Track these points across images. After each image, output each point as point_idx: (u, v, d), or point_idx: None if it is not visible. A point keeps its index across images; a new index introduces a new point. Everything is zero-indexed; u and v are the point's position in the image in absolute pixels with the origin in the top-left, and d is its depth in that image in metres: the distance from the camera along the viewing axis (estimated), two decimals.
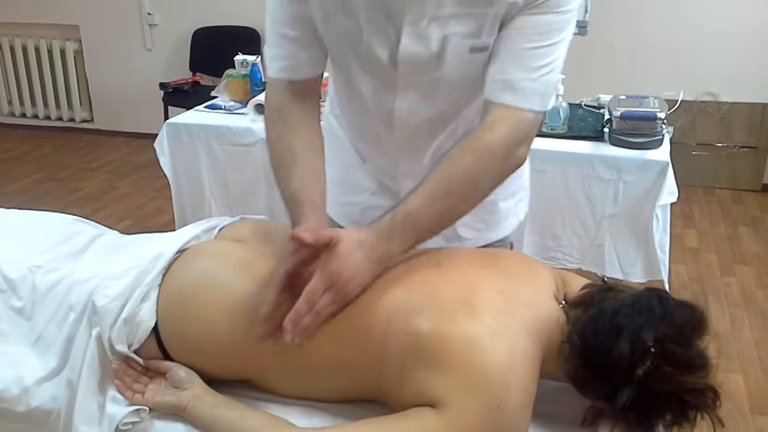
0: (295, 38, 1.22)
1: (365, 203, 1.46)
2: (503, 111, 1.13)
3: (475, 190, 1.13)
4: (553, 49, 1.12)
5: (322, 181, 1.22)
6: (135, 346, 1.13)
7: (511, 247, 1.55)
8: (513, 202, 1.49)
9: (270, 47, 1.26)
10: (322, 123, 1.33)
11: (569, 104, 2.66)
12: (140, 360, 1.12)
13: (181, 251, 1.20)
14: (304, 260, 1.05)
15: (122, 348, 1.11)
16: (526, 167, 1.48)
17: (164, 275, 1.16)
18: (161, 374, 1.12)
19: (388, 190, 1.44)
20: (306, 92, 1.27)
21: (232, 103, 2.87)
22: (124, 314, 1.11)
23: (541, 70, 1.12)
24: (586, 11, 3.37)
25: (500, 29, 1.13)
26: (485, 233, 1.46)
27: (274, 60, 1.26)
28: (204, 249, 1.22)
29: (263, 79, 2.76)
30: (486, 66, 1.17)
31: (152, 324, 1.12)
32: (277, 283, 1.04)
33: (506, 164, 1.15)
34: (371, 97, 1.28)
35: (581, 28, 3.36)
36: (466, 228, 1.43)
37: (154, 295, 1.14)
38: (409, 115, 1.27)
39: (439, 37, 1.13)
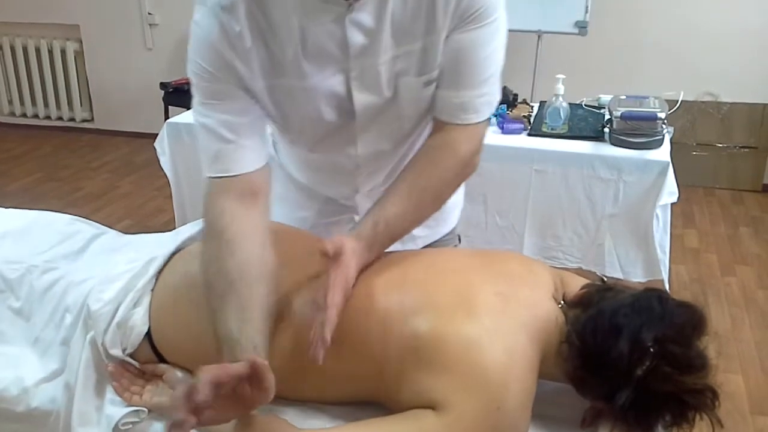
0: (239, 127, 1.11)
1: (312, 219, 1.48)
2: (461, 129, 1.18)
3: (440, 199, 1.22)
4: (491, 62, 1.15)
5: (265, 317, 1.03)
6: (129, 350, 1.12)
7: (459, 240, 1.64)
8: (456, 197, 1.52)
9: (208, 145, 1.10)
10: None
11: (569, 104, 2.65)
12: (136, 363, 1.12)
13: (177, 251, 1.20)
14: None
15: (116, 352, 1.11)
16: None
17: (157, 279, 1.16)
18: (158, 377, 1.12)
19: (336, 205, 1.45)
20: (253, 194, 1.11)
21: None
22: (117, 319, 1.10)
23: (484, 86, 1.16)
24: (586, 11, 3.38)
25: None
26: (436, 229, 1.51)
27: (216, 160, 1.10)
28: (194, 251, 1.20)
29: None
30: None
31: (145, 329, 1.12)
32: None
33: (467, 173, 1.22)
34: (330, 153, 1.29)
35: (581, 28, 3.38)
36: (419, 227, 1.45)
37: (146, 300, 1.13)
38: (371, 153, 1.29)
39: (389, 80, 1.15)
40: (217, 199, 1.09)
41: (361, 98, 1.16)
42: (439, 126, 1.20)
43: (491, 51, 1.14)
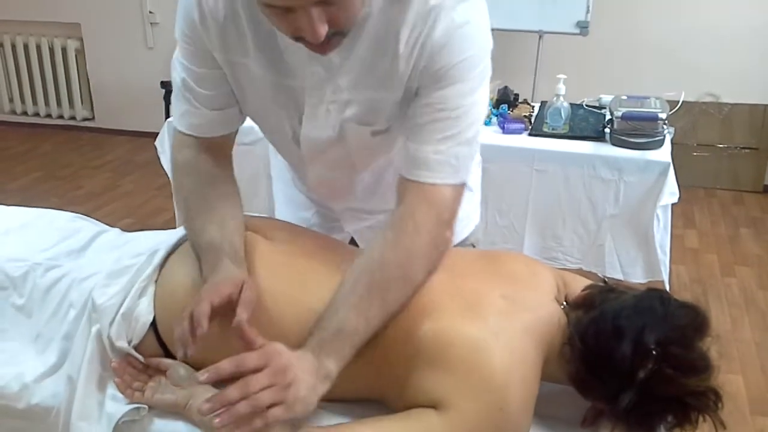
0: (208, 98, 1.17)
1: (310, 220, 1.49)
2: (420, 191, 1.07)
3: (409, 283, 1.05)
4: (458, 121, 1.06)
5: (242, 232, 1.15)
6: (135, 342, 1.12)
7: (473, 248, 1.55)
8: (469, 208, 1.49)
9: (179, 101, 1.20)
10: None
11: (570, 104, 2.66)
12: (140, 357, 1.12)
13: (178, 245, 1.20)
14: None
15: (122, 344, 1.11)
16: (477, 167, 1.47)
17: (161, 270, 1.16)
18: (161, 372, 1.12)
19: (326, 214, 1.47)
20: (219, 148, 1.22)
21: None
22: (122, 310, 1.11)
23: (447, 142, 1.06)
24: (587, 11, 3.38)
25: (408, 107, 1.10)
26: None
27: (184, 116, 1.20)
28: None
29: None
30: (392, 142, 1.18)
31: (150, 318, 1.12)
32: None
33: (436, 253, 1.08)
34: (290, 161, 1.31)
35: (583, 28, 3.38)
36: None
37: (151, 290, 1.14)
38: (325, 180, 1.29)
39: (336, 122, 1.14)
40: (186, 146, 1.21)
41: (308, 127, 1.16)
42: (402, 187, 1.10)
43: (461, 110, 1.06)
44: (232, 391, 0.90)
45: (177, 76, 1.19)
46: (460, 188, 1.10)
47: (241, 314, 0.99)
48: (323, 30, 0.92)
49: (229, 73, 1.16)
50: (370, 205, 1.38)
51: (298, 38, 0.96)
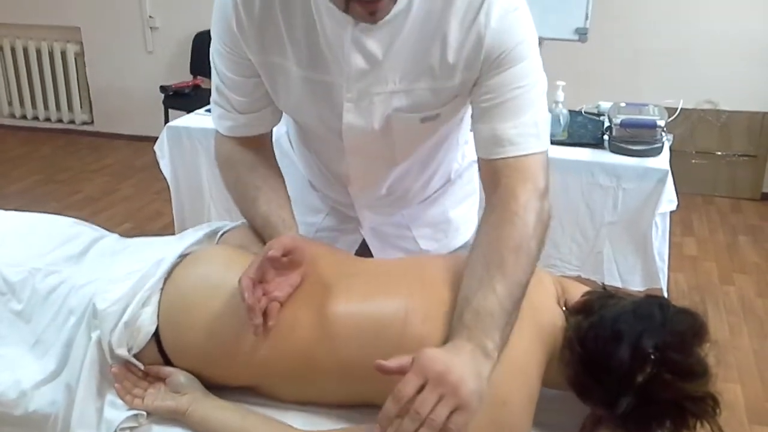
0: (242, 104, 1.21)
1: (320, 224, 1.49)
2: (511, 168, 1.08)
3: (523, 255, 1.02)
4: (528, 94, 1.09)
5: (289, 203, 1.24)
6: (135, 351, 1.12)
7: None
8: (464, 209, 1.52)
9: (216, 106, 1.24)
10: (274, 140, 1.33)
11: (569, 111, 2.66)
12: (140, 365, 1.12)
13: (183, 256, 1.20)
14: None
15: (122, 352, 1.11)
16: (474, 173, 1.49)
17: (165, 280, 1.16)
18: (161, 379, 1.12)
19: (343, 215, 1.46)
20: (258, 143, 1.27)
21: None
22: (125, 318, 1.10)
23: (523, 115, 1.09)
24: (586, 18, 3.38)
25: (467, 93, 1.12)
26: (445, 242, 1.50)
27: (222, 119, 1.25)
28: (206, 254, 1.21)
29: None
30: (438, 128, 1.19)
31: (153, 329, 1.12)
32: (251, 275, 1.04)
33: (541, 225, 1.07)
34: (324, 155, 1.31)
35: (581, 35, 3.38)
36: (426, 240, 1.48)
37: (155, 300, 1.13)
38: (361, 173, 1.30)
39: (383, 113, 1.14)
40: (226, 143, 1.26)
41: (350, 120, 1.16)
42: (488, 172, 1.11)
43: (526, 88, 1.09)
44: (408, 425, 0.84)
45: (213, 79, 1.23)
46: (546, 154, 1.12)
47: (272, 251, 1.04)
48: None
49: (264, 73, 1.17)
50: (392, 199, 1.40)
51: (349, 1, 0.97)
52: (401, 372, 0.88)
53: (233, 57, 1.16)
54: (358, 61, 1.08)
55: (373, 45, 1.07)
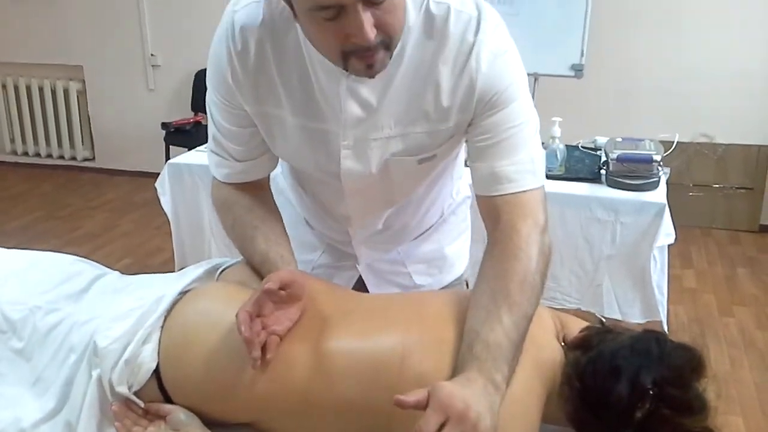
0: (239, 152, 1.24)
1: (316, 261, 1.50)
2: (510, 204, 1.11)
3: (528, 287, 1.05)
4: (522, 132, 1.12)
5: (287, 242, 1.25)
6: (135, 388, 1.12)
7: (467, 286, 1.59)
8: (459, 245, 1.54)
9: (213, 154, 1.26)
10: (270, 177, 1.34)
11: (566, 146, 2.69)
12: (141, 402, 1.12)
13: (183, 293, 1.20)
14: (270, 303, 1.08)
15: (123, 389, 1.10)
16: (467, 209, 1.54)
17: (166, 317, 1.16)
18: (161, 417, 1.11)
19: (339, 252, 1.48)
20: (256, 188, 1.28)
21: None
22: (125, 356, 1.10)
23: (519, 153, 1.11)
24: (582, 55, 3.43)
25: (461, 134, 1.16)
26: (439, 277, 1.52)
27: (220, 167, 1.27)
28: (206, 291, 1.22)
29: None
30: (434, 167, 1.21)
31: (154, 366, 1.12)
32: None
33: (543, 258, 1.10)
34: (323, 197, 1.33)
35: (577, 71, 3.42)
36: (421, 276, 1.50)
37: (155, 336, 1.14)
38: (361, 213, 1.31)
39: (380, 158, 1.16)
40: (223, 188, 1.28)
41: (348, 165, 1.18)
42: (488, 209, 1.14)
43: (523, 123, 1.12)
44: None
45: (210, 128, 1.25)
46: (543, 189, 1.15)
47: (269, 284, 1.04)
48: (373, 31, 0.95)
49: (260, 123, 1.19)
50: (389, 235, 1.41)
51: (346, 55, 0.99)
52: (419, 407, 0.89)
53: (229, 108, 1.18)
54: (354, 109, 1.11)
55: (368, 93, 1.09)
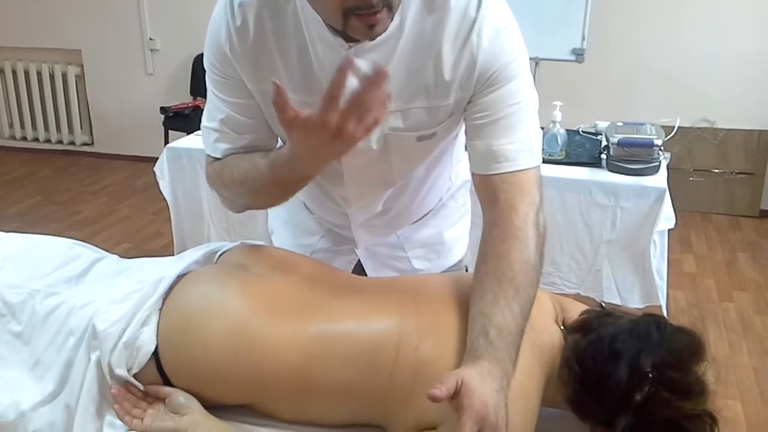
0: (242, 124, 1.19)
1: (315, 246, 1.49)
2: (508, 182, 1.10)
3: (530, 267, 1.05)
4: (522, 111, 1.11)
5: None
6: (135, 371, 1.12)
7: (466, 271, 1.58)
8: (458, 230, 1.53)
9: (211, 131, 1.21)
10: None
11: (567, 131, 2.68)
12: (140, 385, 1.12)
13: (182, 276, 1.20)
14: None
15: (122, 372, 1.11)
16: (467, 193, 1.52)
17: (165, 300, 1.16)
18: (160, 399, 1.12)
19: (338, 236, 1.47)
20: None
21: None
22: (124, 338, 1.10)
23: (518, 132, 1.11)
24: (583, 39, 3.41)
25: (461, 111, 1.14)
26: (438, 262, 1.50)
27: (218, 143, 1.21)
28: (205, 274, 1.22)
29: None
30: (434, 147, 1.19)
31: (152, 348, 1.12)
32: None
33: (539, 236, 1.08)
34: (322, 179, 1.30)
35: (578, 55, 3.41)
36: (420, 260, 1.49)
37: (154, 319, 1.14)
38: (360, 195, 1.30)
39: (380, 133, 1.15)
40: (217, 162, 1.21)
41: None
42: (485, 187, 1.13)
43: (523, 101, 1.11)
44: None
45: (209, 105, 1.22)
46: (539, 169, 1.14)
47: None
48: None
49: (261, 101, 1.18)
50: (388, 218, 1.40)
51: (347, 13, 0.96)
52: (450, 398, 0.88)
53: (229, 82, 1.17)
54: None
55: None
